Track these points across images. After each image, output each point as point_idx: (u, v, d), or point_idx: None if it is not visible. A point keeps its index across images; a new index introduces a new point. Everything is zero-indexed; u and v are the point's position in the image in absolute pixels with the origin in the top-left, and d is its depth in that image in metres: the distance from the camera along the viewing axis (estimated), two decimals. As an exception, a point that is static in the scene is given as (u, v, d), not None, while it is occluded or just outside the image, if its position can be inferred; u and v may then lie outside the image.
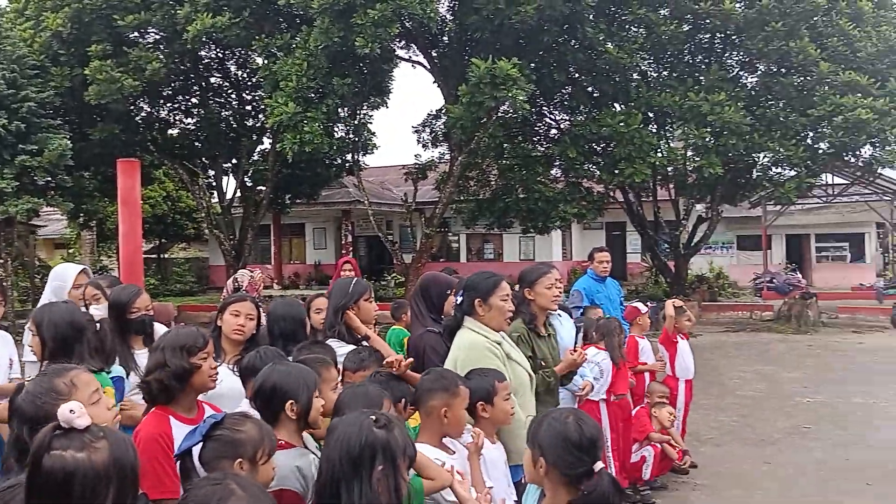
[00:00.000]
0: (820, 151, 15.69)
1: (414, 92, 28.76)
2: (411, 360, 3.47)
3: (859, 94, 14.17)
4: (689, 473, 6.20)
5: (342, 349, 3.58)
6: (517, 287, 4.07)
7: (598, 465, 2.07)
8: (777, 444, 7.15)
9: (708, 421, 8.07)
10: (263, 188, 19.53)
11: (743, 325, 16.99)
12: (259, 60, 16.57)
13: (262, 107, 16.96)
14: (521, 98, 12.89)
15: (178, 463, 2.30)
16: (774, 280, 22.91)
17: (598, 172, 16.42)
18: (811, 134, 15.66)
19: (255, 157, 20.24)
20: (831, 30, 15.03)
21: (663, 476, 5.99)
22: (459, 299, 3.61)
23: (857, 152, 15.98)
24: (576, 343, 4.11)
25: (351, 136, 17.09)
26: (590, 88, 16.78)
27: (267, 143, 19.14)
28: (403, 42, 16.71)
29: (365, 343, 3.74)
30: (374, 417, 2.09)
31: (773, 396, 9.42)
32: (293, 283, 26.89)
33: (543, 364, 3.94)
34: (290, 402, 2.54)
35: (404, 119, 43.47)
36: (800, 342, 14.38)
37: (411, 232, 18.57)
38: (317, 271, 27.71)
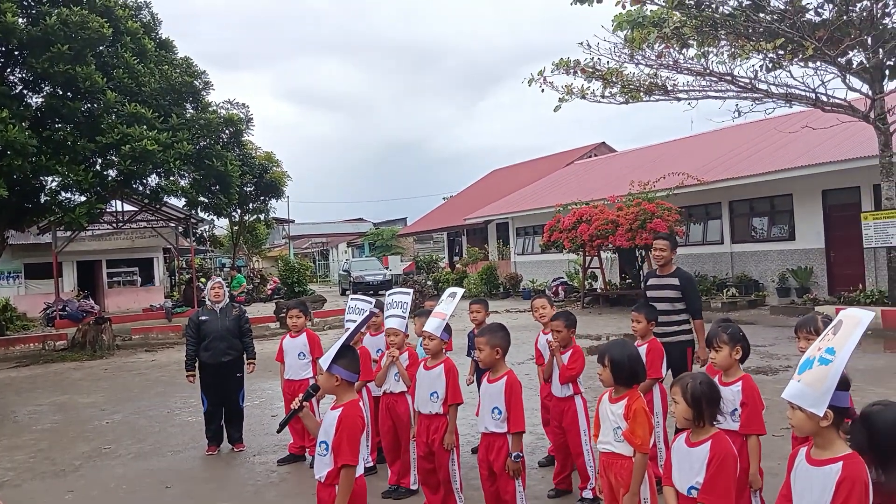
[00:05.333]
0: (109, 178, 16.10)
1: None
2: None
3: (145, 126, 15.11)
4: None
5: None
6: None
7: None
8: (79, 471, 7.01)
9: (2, 463, 7.36)
10: None
11: (36, 357, 16.01)
12: None
13: None
14: None
15: None
16: (67, 307, 22.41)
17: None
18: (100, 160, 15.92)
19: None
20: (117, 61, 15.67)
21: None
22: None
23: (145, 181, 16.95)
24: None
25: None
26: None
27: None
28: None
29: None
30: None
31: (72, 424, 9.20)
32: None
33: None
34: None
35: None
36: (96, 367, 14.40)
37: None
38: None
